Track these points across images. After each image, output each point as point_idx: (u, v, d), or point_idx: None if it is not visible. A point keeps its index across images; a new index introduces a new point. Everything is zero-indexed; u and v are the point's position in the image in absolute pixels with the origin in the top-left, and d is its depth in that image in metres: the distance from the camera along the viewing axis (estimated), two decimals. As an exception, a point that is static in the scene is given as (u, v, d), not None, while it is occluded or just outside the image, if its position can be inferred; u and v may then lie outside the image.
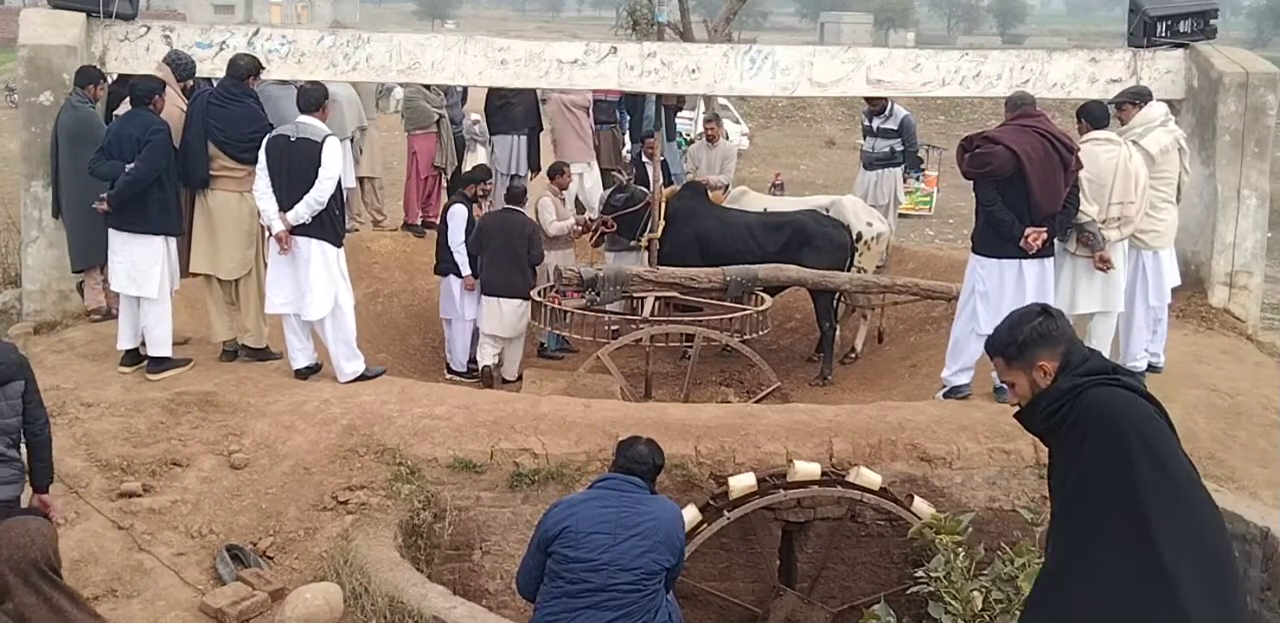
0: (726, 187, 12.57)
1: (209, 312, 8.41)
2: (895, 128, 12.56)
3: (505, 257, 10.05)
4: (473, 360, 10.59)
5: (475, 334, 10.52)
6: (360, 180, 12.45)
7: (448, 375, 10.53)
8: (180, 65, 8.65)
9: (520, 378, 10.19)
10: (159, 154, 7.79)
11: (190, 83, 8.81)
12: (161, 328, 7.96)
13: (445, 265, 10.36)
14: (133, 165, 7.71)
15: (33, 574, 4.24)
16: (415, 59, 9.69)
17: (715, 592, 7.39)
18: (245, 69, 8.18)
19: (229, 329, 8.40)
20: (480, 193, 10.63)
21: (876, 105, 12.34)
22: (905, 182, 13.03)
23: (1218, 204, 9.80)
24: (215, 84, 10.34)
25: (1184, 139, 8.58)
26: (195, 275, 8.33)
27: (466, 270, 10.16)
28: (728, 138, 15.02)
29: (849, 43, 51.25)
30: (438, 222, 10.78)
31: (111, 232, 7.92)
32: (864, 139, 13.06)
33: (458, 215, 10.21)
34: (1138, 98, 8.59)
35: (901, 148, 12.73)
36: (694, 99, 21.08)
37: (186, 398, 7.52)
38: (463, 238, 10.16)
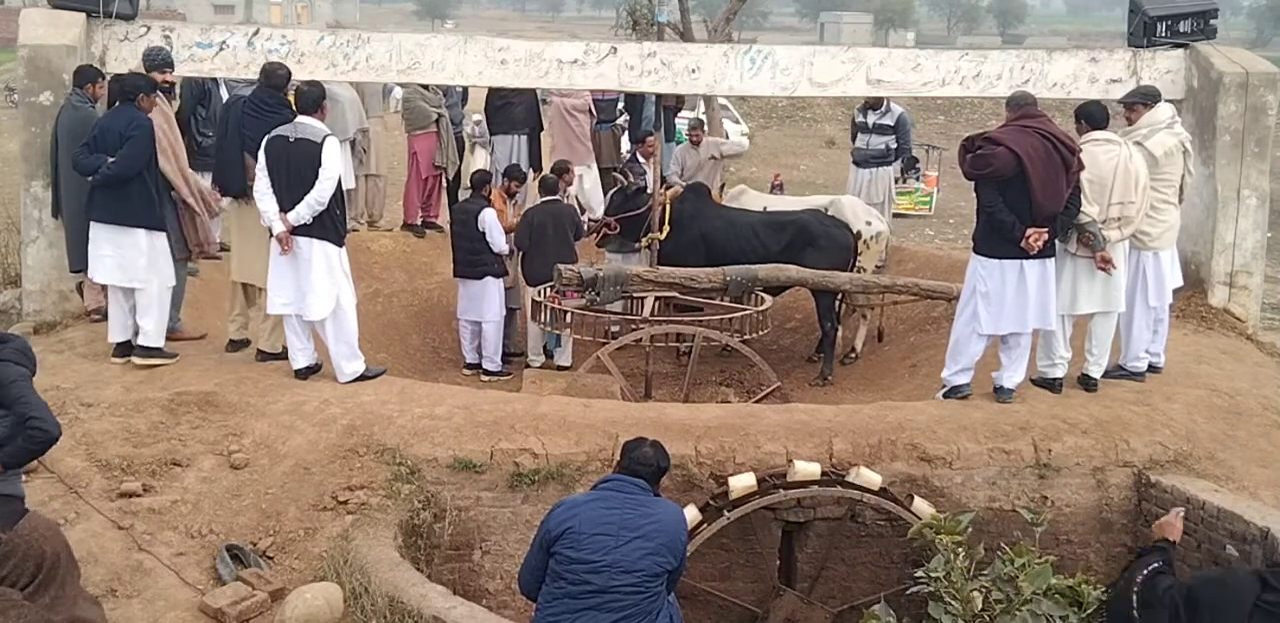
0: (723, 187, 12.56)
1: (228, 310, 8.59)
2: (891, 124, 12.56)
3: (556, 245, 10.44)
4: (513, 354, 10.99)
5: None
6: (367, 177, 12.50)
7: (483, 377, 10.61)
8: (153, 57, 8.71)
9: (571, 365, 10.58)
10: (139, 150, 7.82)
11: (169, 74, 8.80)
12: (155, 319, 8.03)
13: (481, 269, 10.43)
14: (113, 160, 7.76)
15: (68, 559, 4.32)
16: (415, 59, 9.69)
17: (715, 592, 7.39)
18: (284, 79, 8.20)
19: (241, 330, 8.58)
20: (487, 193, 10.70)
21: (872, 99, 12.31)
22: (905, 181, 13.04)
23: (1218, 204, 9.80)
24: (219, 83, 10.45)
25: (1189, 142, 8.57)
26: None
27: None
28: (727, 136, 15.01)
29: (849, 43, 51.23)
30: (451, 225, 10.80)
31: (93, 224, 7.95)
32: (857, 136, 13.03)
33: (491, 219, 10.35)
34: (1148, 98, 8.58)
35: (896, 145, 12.73)
36: (694, 99, 21.07)
37: (186, 398, 7.52)
38: (504, 240, 10.44)
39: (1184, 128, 8.69)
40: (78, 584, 4.58)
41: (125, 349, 8.11)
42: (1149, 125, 8.40)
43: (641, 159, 12.36)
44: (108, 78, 8.98)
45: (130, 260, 7.92)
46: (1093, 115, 8.13)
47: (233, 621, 5.78)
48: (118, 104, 8.10)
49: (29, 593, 4.35)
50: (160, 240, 8.09)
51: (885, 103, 12.43)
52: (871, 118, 12.62)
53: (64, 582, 4.42)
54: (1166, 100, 8.92)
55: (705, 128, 13.35)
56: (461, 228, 10.48)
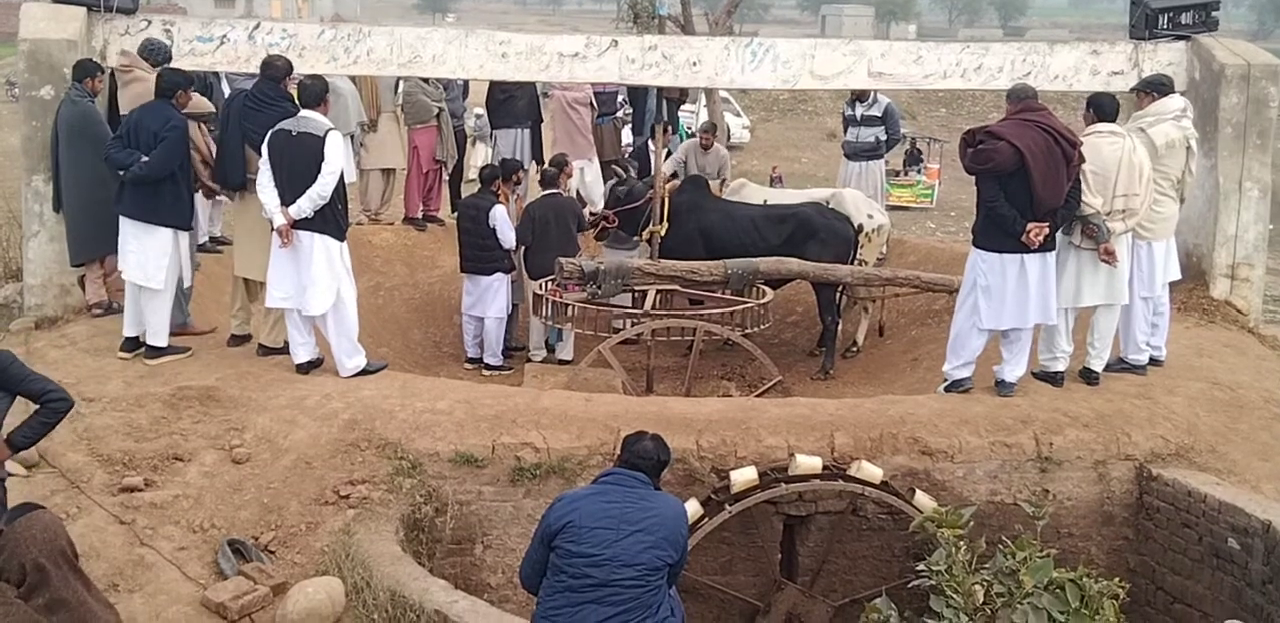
0: (722, 182, 12.56)
1: (230, 304, 8.61)
2: (879, 114, 12.55)
3: (559, 239, 10.44)
4: (514, 348, 10.98)
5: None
6: (385, 172, 12.52)
7: (484, 371, 10.62)
8: (154, 51, 8.79)
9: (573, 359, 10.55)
10: (173, 150, 7.89)
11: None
12: (160, 317, 8.05)
13: (491, 265, 10.44)
14: (146, 160, 7.80)
15: (63, 563, 4.31)
16: (416, 53, 9.67)
17: (717, 585, 7.40)
18: (283, 71, 8.20)
19: (242, 324, 8.59)
20: (496, 189, 10.70)
21: (858, 91, 12.27)
22: (906, 174, 13.04)
23: (1219, 196, 9.77)
24: (220, 77, 10.46)
25: (1195, 139, 8.52)
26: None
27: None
28: (729, 136, 14.98)
29: (850, 35, 51.11)
30: (459, 221, 10.79)
31: (123, 220, 7.98)
32: (845, 130, 13.03)
33: (502, 216, 10.36)
34: (1150, 87, 8.56)
35: (885, 138, 12.72)
36: (695, 92, 21.06)
37: (188, 392, 7.52)
38: (514, 237, 10.44)
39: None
40: (81, 587, 4.54)
41: (133, 343, 8.12)
42: (1156, 114, 8.37)
43: (654, 148, 12.34)
44: (107, 71, 8.99)
45: (154, 260, 7.95)
46: (1102, 107, 8.10)
47: (235, 615, 5.79)
48: (153, 99, 8.11)
49: (22, 592, 4.35)
50: (185, 240, 8.16)
51: (872, 94, 12.40)
52: (859, 110, 12.61)
53: (63, 585, 4.40)
54: (1171, 92, 8.89)
55: (716, 132, 13.29)
56: (471, 224, 10.46)
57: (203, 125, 8.57)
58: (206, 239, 10.47)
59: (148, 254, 7.94)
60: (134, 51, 8.83)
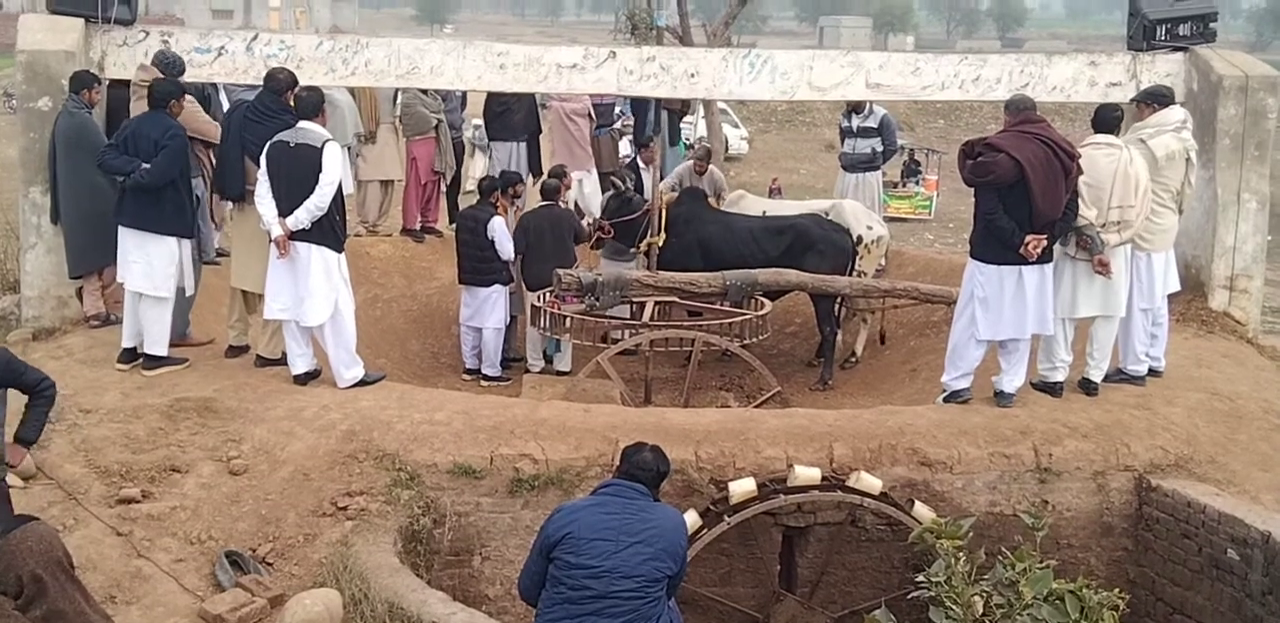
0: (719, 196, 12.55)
1: (228, 316, 8.60)
2: (875, 125, 12.56)
3: (554, 250, 10.43)
4: (512, 360, 10.99)
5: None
6: (383, 183, 12.51)
7: (483, 382, 10.60)
8: (168, 64, 8.79)
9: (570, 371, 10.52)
10: (174, 159, 7.91)
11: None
12: (161, 327, 8.03)
13: (489, 277, 10.43)
14: (147, 168, 7.81)
15: (60, 574, 4.31)
16: (414, 64, 9.68)
17: (716, 597, 7.38)
18: (284, 83, 8.19)
19: (240, 336, 8.58)
20: (495, 201, 10.70)
21: (854, 102, 12.30)
22: (905, 185, 13.03)
23: (1218, 208, 9.78)
24: (218, 88, 10.46)
25: (1195, 151, 8.51)
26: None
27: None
28: (727, 147, 14.93)
29: (848, 47, 51.18)
30: (458, 233, 10.77)
31: (123, 229, 7.98)
32: (843, 141, 13.05)
33: (501, 227, 10.35)
34: (1151, 98, 8.56)
35: (881, 149, 12.73)
36: (695, 103, 21.09)
37: (185, 404, 7.51)
38: (512, 248, 10.43)
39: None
40: (79, 598, 4.54)
41: (130, 355, 8.10)
42: (1156, 125, 8.37)
43: (642, 164, 12.34)
44: (105, 83, 8.99)
45: (160, 269, 7.96)
46: (1103, 120, 8.11)
47: (232, 627, 5.77)
48: (148, 110, 8.13)
49: (20, 604, 4.35)
50: (186, 248, 8.16)
51: (868, 105, 12.41)
52: (855, 121, 12.63)
53: (60, 596, 4.40)
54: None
55: (711, 158, 13.29)
56: (469, 235, 10.45)
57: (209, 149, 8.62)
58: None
59: (154, 263, 7.95)
60: (152, 66, 8.82)
